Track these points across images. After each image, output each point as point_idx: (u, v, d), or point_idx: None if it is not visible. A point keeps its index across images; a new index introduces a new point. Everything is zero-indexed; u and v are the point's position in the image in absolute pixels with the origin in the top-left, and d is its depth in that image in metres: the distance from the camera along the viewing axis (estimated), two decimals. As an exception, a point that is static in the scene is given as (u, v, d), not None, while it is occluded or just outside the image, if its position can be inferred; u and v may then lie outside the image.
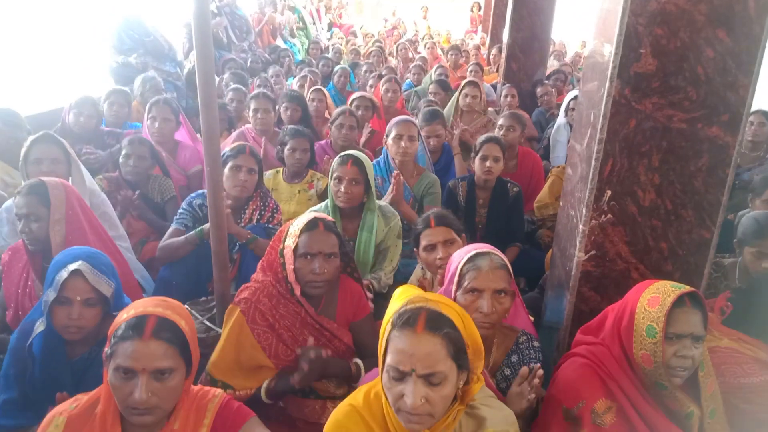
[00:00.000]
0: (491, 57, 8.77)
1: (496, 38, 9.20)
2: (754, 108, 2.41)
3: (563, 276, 2.27)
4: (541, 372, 1.66)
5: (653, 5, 1.83)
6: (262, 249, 2.41)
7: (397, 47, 9.38)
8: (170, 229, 2.72)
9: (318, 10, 12.23)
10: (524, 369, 1.70)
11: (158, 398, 1.36)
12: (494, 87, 6.81)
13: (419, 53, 9.62)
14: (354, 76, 6.97)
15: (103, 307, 1.81)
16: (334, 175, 2.70)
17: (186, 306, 2.07)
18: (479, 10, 14.49)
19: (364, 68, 6.93)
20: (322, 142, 4.01)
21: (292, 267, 1.94)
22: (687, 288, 1.58)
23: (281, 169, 3.51)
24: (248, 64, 6.74)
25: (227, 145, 3.02)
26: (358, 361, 2.01)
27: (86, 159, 3.40)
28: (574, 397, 1.65)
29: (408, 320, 1.29)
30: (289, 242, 1.97)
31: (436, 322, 1.29)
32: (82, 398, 1.48)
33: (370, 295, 2.42)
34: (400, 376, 1.27)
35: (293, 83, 5.96)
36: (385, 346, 1.32)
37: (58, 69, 5.19)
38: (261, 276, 2.05)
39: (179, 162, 3.76)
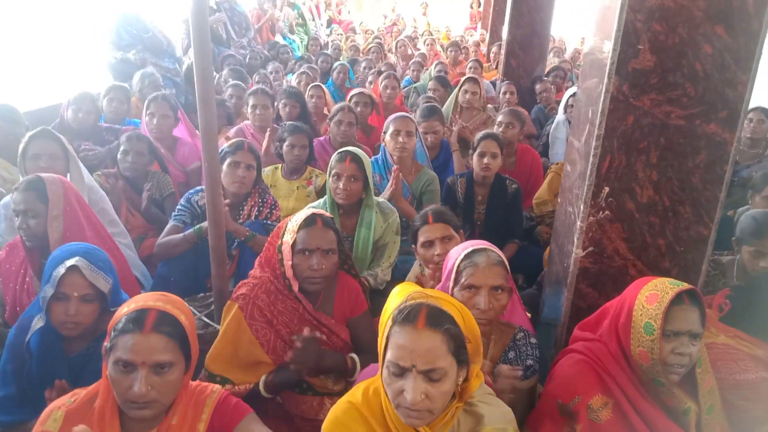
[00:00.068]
0: (491, 54, 8.76)
1: (495, 35, 9.19)
2: (752, 105, 2.40)
3: (561, 273, 2.27)
4: (518, 373, 1.67)
5: (651, 1, 1.83)
6: (260, 245, 2.41)
7: (396, 44, 9.36)
8: (168, 226, 2.72)
9: (317, 7, 12.20)
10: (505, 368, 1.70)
11: (157, 392, 1.37)
12: (493, 84, 6.80)
13: (418, 50, 9.60)
14: (353, 72, 6.96)
15: (100, 303, 1.81)
16: (333, 171, 2.70)
17: (184, 302, 2.07)
18: (479, 6, 14.47)
19: (363, 65, 6.91)
20: (321, 138, 4.00)
21: (290, 263, 1.95)
22: (685, 285, 1.58)
23: (280, 165, 3.50)
24: (247, 60, 6.73)
25: (226, 141, 3.02)
26: (354, 355, 2.02)
27: (84, 155, 3.39)
28: (571, 393, 1.65)
29: (409, 316, 1.29)
30: (288, 238, 1.97)
31: (436, 318, 1.29)
32: (81, 392, 1.49)
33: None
34: (401, 372, 1.28)
35: (292, 79, 5.95)
36: (386, 341, 1.32)
37: (56, 65, 5.19)
38: (259, 272, 2.06)
39: (178, 158, 3.76)
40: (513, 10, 6.04)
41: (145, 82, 4.56)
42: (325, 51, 8.29)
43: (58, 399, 1.49)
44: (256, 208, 2.84)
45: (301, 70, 5.90)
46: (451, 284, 1.82)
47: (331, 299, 2.10)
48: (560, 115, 4.73)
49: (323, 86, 5.16)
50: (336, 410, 1.46)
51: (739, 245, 2.38)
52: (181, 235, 2.62)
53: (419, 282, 2.41)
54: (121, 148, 3.16)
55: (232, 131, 4.05)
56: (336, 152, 2.78)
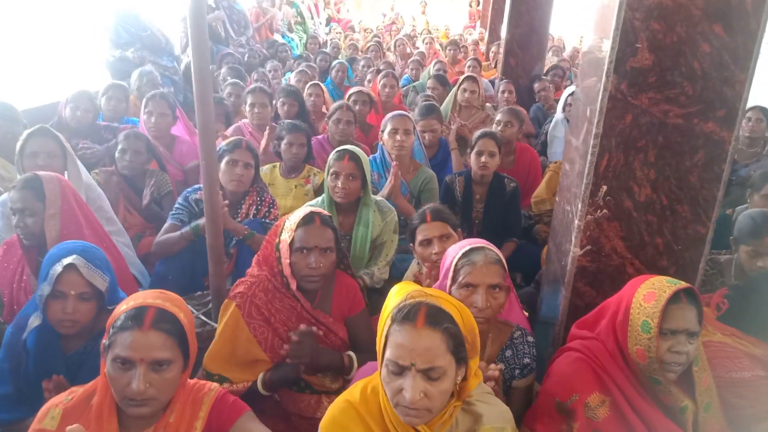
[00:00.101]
0: (491, 54, 8.75)
1: (494, 34, 9.18)
2: (750, 104, 2.40)
3: (559, 271, 2.28)
4: (496, 374, 1.65)
5: (650, 0, 1.83)
6: (259, 244, 2.40)
7: (395, 43, 9.36)
8: (166, 225, 2.72)
9: (316, 5, 12.19)
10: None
11: (155, 390, 1.37)
12: (492, 83, 6.80)
13: (417, 48, 9.60)
14: (352, 71, 6.95)
15: (97, 302, 1.81)
16: (331, 170, 2.69)
17: (181, 300, 2.07)
18: (478, 5, 14.48)
19: (362, 63, 6.91)
20: (319, 137, 4.00)
21: (288, 261, 1.94)
22: (683, 284, 1.59)
23: (278, 164, 3.50)
24: (245, 58, 6.72)
25: (224, 140, 3.01)
26: (351, 353, 2.02)
27: (82, 153, 3.39)
28: (568, 391, 1.65)
29: (408, 315, 1.29)
30: (285, 236, 1.97)
31: (436, 317, 1.29)
32: (78, 390, 1.49)
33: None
34: (400, 371, 1.27)
35: (291, 78, 5.95)
36: (385, 340, 1.32)
37: (54, 63, 5.18)
38: (257, 270, 2.05)
39: (176, 157, 3.75)
40: (512, 8, 6.05)
41: (144, 80, 4.56)
42: (324, 49, 8.29)
43: (56, 397, 1.49)
44: (255, 207, 2.84)
45: (300, 68, 5.90)
46: (448, 283, 1.82)
47: (329, 298, 2.10)
48: (559, 114, 4.73)
49: (322, 85, 5.15)
50: (334, 409, 1.46)
51: (737, 245, 2.39)
52: (178, 233, 2.62)
53: (417, 280, 2.41)
54: (119, 147, 3.16)
55: (230, 130, 4.05)
56: (334, 151, 2.77)
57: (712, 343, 1.86)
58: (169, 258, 2.63)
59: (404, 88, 6.24)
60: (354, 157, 2.67)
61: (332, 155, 2.74)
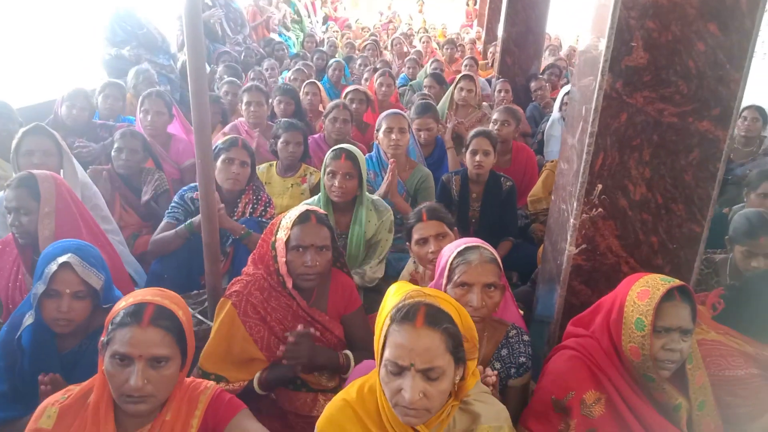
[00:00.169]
0: (489, 54, 8.75)
1: (491, 32, 9.18)
2: (744, 103, 2.41)
3: (554, 270, 2.28)
4: (493, 379, 1.66)
5: (645, -2, 1.83)
6: (255, 243, 2.40)
7: (392, 41, 9.35)
8: (162, 224, 2.72)
9: (313, 3, 12.18)
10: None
11: (153, 386, 1.37)
12: (489, 82, 6.80)
13: (414, 47, 9.59)
14: (348, 69, 6.95)
15: (92, 300, 1.80)
16: (328, 169, 2.69)
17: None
18: (475, 4, 14.49)
19: (358, 62, 6.91)
20: (316, 135, 4.00)
21: (284, 259, 1.94)
22: (676, 282, 1.59)
23: (275, 162, 3.50)
24: (242, 57, 6.71)
25: (220, 138, 3.01)
26: (348, 352, 2.02)
27: (78, 152, 3.38)
28: (564, 388, 1.66)
29: (407, 315, 1.29)
30: (281, 235, 1.97)
31: (435, 317, 1.29)
32: (74, 389, 1.48)
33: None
34: (399, 371, 1.27)
35: (287, 76, 5.94)
36: (383, 340, 1.32)
37: (50, 61, 5.16)
38: (252, 269, 2.05)
39: (172, 155, 3.74)
40: (508, 7, 6.04)
41: (140, 78, 4.55)
42: (321, 48, 8.28)
43: (52, 396, 1.48)
44: (251, 206, 2.83)
45: (297, 67, 5.89)
46: (444, 282, 1.82)
47: (325, 296, 2.10)
48: (555, 113, 4.74)
49: (318, 83, 5.15)
50: (330, 408, 1.46)
51: (732, 244, 2.40)
52: (173, 231, 2.61)
53: (413, 279, 2.41)
54: (115, 146, 3.15)
55: (226, 128, 4.04)
56: (331, 149, 2.77)
57: (706, 341, 1.86)
58: (165, 257, 2.63)
59: (401, 87, 6.24)
60: (351, 156, 2.67)
61: (329, 154, 2.74)
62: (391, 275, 2.78)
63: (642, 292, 1.58)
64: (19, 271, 2.23)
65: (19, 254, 2.21)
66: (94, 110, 3.91)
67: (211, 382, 1.60)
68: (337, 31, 11.62)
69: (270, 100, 4.36)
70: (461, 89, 4.78)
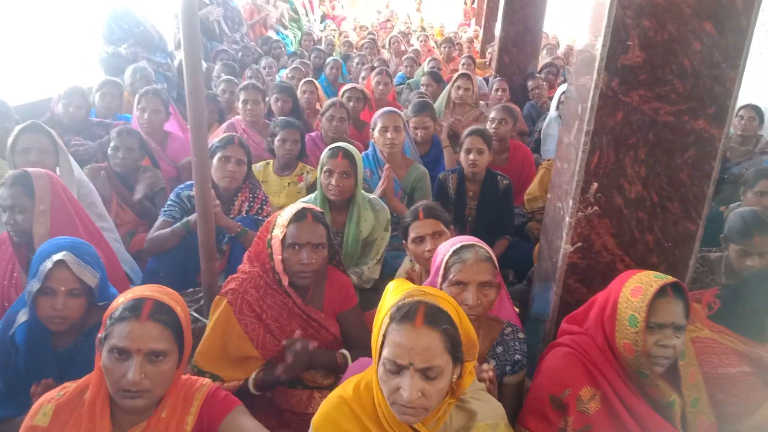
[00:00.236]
0: (487, 54, 8.75)
1: (489, 31, 9.18)
2: (740, 102, 2.41)
3: (550, 268, 2.28)
4: (490, 374, 1.66)
5: (641, -3, 1.83)
6: (251, 241, 2.40)
7: (390, 40, 9.35)
8: (158, 221, 2.71)
9: (311, 2, 12.17)
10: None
11: (150, 381, 1.37)
12: (486, 81, 6.80)
13: (412, 46, 9.59)
14: (346, 68, 6.94)
15: (87, 298, 1.80)
16: (325, 167, 2.69)
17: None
18: (472, 3, 14.49)
19: (356, 60, 6.90)
20: (312, 134, 3.99)
21: (280, 257, 1.94)
22: (669, 278, 1.60)
23: (271, 161, 3.49)
24: (239, 55, 6.70)
25: (217, 137, 3.01)
26: (345, 351, 2.02)
27: (75, 150, 3.38)
28: (560, 385, 1.67)
29: (407, 314, 1.29)
30: (277, 232, 1.97)
31: (434, 317, 1.30)
32: (70, 386, 1.48)
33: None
34: (397, 370, 1.28)
35: (284, 74, 5.93)
36: (382, 339, 1.32)
37: (47, 59, 5.14)
38: (248, 267, 2.05)
39: (169, 153, 3.74)
40: (506, 6, 6.04)
41: (137, 76, 4.55)
42: (318, 46, 8.27)
43: (48, 393, 1.48)
44: (247, 204, 2.83)
45: (294, 65, 5.88)
46: (439, 280, 1.82)
47: (321, 294, 2.10)
48: (552, 112, 4.74)
49: (316, 81, 5.14)
50: (326, 405, 1.46)
51: (727, 243, 2.40)
52: (169, 229, 2.61)
53: (410, 278, 2.41)
54: (112, 144, 3.15)
55: (223, 126, 4.04)
56: (327, 148, 2.76)
57: (700, 339, 1.87)
58: (161, 254, 2.63)
59: (398, 86, 6.24)
60: (347, 155, 2.67)
61: (325, 152, 2.73)
62: (388, 273, 2.78)
63: (635, 289, 1.59)
64: (14, 269, 2.22)
65: (14, 252, 2.21)
66: (91, 108, 3.90)
67: (207, 380, 1.60)
68: (334, 30, 11.61)
69: (267, 98, 4.35)
70: (458, 88, 4.79)
